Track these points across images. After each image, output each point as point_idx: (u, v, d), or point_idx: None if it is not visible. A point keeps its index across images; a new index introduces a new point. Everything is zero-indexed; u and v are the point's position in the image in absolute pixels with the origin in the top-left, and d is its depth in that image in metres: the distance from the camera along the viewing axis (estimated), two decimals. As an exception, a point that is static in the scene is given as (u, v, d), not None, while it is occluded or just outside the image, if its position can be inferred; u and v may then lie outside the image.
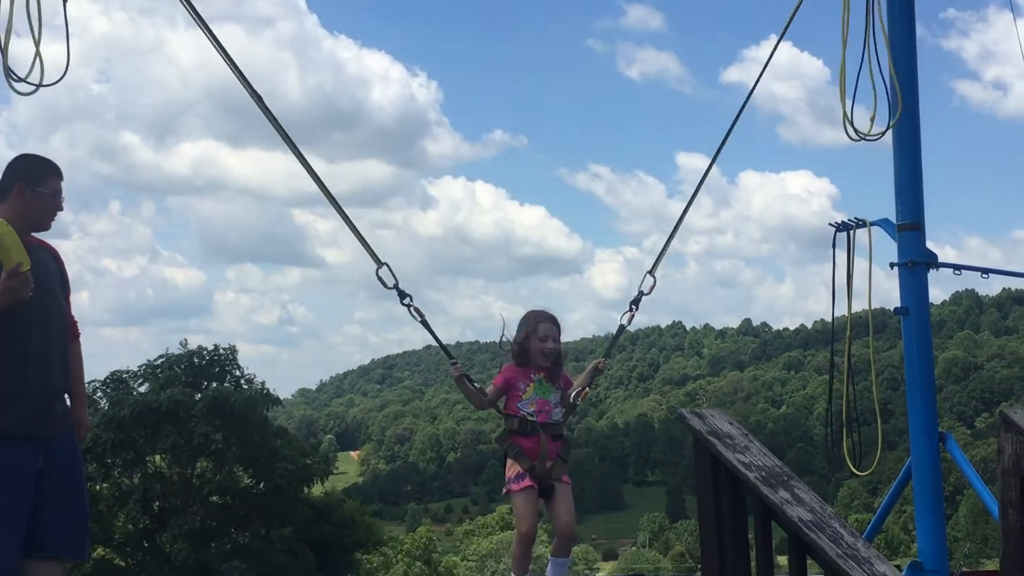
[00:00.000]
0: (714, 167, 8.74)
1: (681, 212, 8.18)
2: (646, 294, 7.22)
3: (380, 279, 6.41)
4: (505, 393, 6.53)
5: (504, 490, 6.53)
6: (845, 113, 8.58)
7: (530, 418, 6.43)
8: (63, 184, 5.79)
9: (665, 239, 7.79)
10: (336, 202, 6.65)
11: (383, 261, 6.44)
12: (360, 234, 6.61)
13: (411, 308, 6.42)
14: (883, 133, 8.66)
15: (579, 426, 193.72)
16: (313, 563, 34.02)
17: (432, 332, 6.68)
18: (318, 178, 6.68)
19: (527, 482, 6.38)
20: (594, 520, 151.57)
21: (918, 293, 8.69)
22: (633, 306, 7.19)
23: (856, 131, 8.59)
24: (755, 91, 9.09)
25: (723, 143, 8.49)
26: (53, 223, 5.80)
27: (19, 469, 5.42)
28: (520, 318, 6.74)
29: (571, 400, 6.64)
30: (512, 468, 6.46)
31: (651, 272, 7.29)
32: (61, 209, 5.76)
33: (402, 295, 6.40)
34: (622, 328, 7.28)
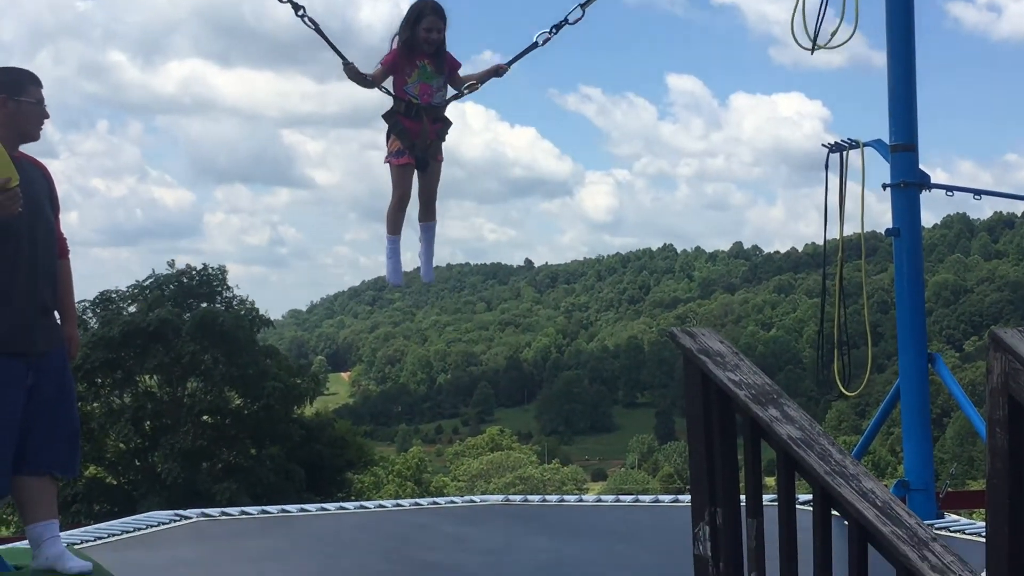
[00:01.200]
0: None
1: None
2: (571, 23, 7.50)
3: None
4: (392, 75, 7.04)
5: (384, 161, 7.17)
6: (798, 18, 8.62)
7: (415, 101, 6.98)
8: (43, 93, 5.73)
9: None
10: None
11: None
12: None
13: (304, 18, 6.81)
14: (838, 45, 8.69)
15: (568, 348, 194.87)
16: (304, 482, 34.24)
17: (325, 36, 6.97)
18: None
19: (406, 159, 7.08)
20: (584, 441, 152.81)
21: (910, 214, 8.69)
22: (553, 29, 7.47)
23: (811, 40, 8.65)
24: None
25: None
26: (40, 133, 5.75)
27: (8, 384, 5.42)
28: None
29: (460, 87, 7.25)
30: (394, 144, 7.11)
31: (583, 6, 7.47)
32: (47, 116, 5.70)
33: (295, 6, 6.79)
34: (534, 44, 7.47)
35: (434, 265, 7.83)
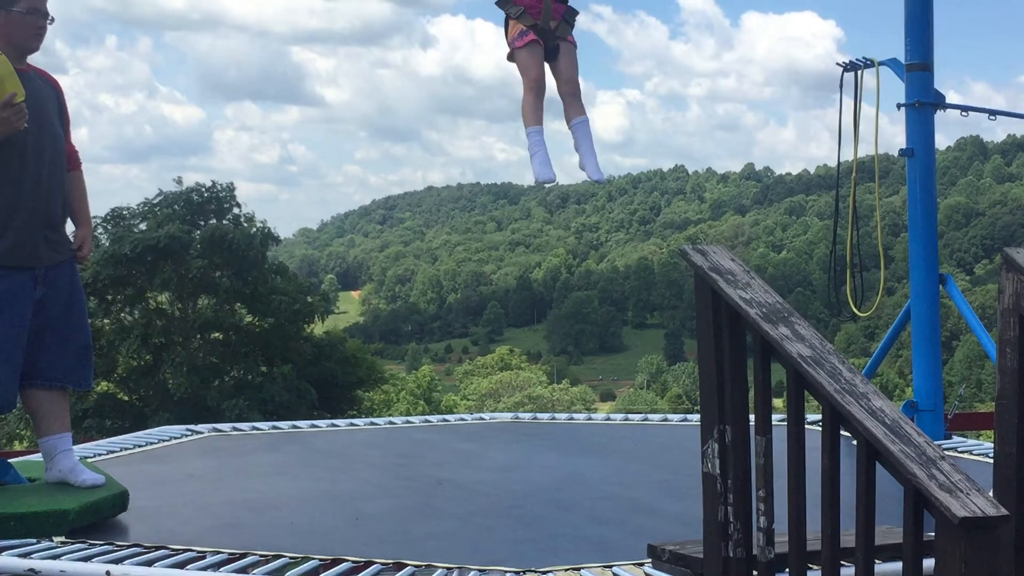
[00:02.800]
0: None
1: None
2: None
3: None
4: None
5: (507, 54, 6.51)
6: None
7: None
8: (47, 4, 5.65)
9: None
10: None
11: None
12: None
13: None
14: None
15: (579, 269, 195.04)
16: (315, 399, 34.46)
17: None
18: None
19: (530, 37, 6.34)
20: (593, 361, 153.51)
21: (924, 135, 8.62)
22: None
23: None
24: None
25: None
26: (39, 45, 5.68)
27: (16, 296, 5.44)
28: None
29: None
30: (515, 28, 6.42)
31: None
32: (42, 26, 5.61)
33: None
34: None
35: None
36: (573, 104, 6.66)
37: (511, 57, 6.48)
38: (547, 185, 6.67)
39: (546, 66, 6.52)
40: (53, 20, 5.68)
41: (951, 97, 8.71)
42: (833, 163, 9.61)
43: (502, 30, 6.61)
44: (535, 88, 6.50)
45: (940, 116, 8.75)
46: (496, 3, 6.51)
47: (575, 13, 6.61)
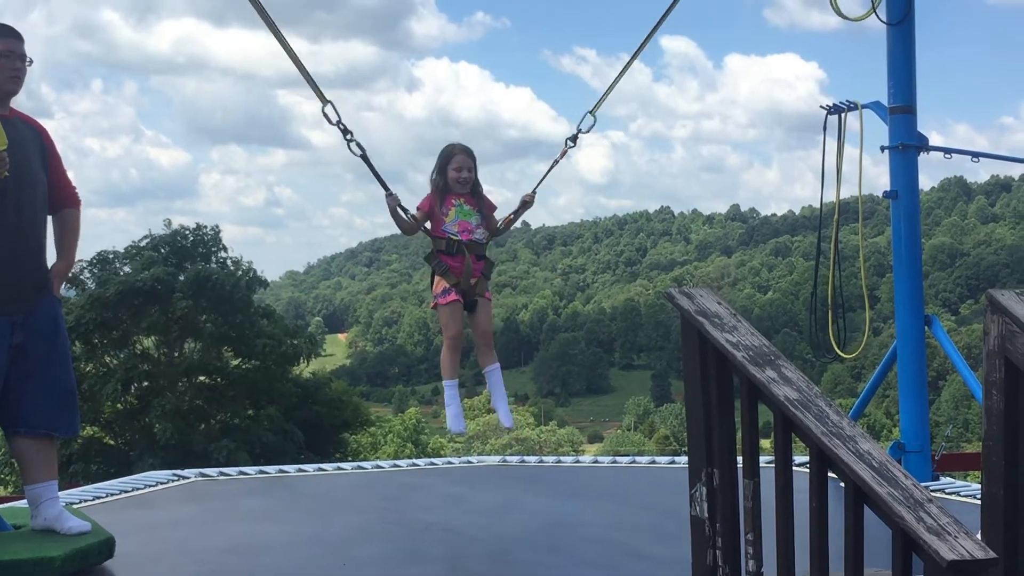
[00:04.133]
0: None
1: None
2: (584, 132, 7.51)
3: (325, 115, 6.77)
4: (430, 218, 7.04)
5: (432, 304, 7.19)
6: None
7: (455, 238, 6.98)
8: (24, 47, 5.62)
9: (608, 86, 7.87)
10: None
11: (328, 99, 6.79)
12: (304, 69, 6.90)
13: (351, 143, 6.78)
14: (867, 14, 8.65)
15: (565, 310, 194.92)
16: (302, 442, 34.28)
17: (371, 166, 6.97)
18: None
19: (453, 296, 7.04)
20: (580, 403, 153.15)
21: (908, 177, 8.68)
22: (570, 142, 7.50)
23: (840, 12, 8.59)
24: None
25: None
26: (20, 88, 5.66)
27: None
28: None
29: (497, 226, 7.23)
30: (439, 284, 7.10)
31: (592, 112, 7.48)
32: (19, 68, 5.58)
33: (344, 130, 6.77)
34: (555, 162, 7.50)
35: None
36: (487, 353, 7.46)
37: (435, 307, 7.20)
38: (457, 437, 7.36)
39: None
40: (31, 62, 5.67)
41: (934, 138, 8.77)
42: (818, 204, 9.65)
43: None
44: (453, 345, 7.33)
45: (924, 157, 8.81)
46: (425, 258, 7.22)
47: (492, 267, 7.40)
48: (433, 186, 7.11)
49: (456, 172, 7.02)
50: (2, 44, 5.53)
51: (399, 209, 6.97)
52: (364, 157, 6.91)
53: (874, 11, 8.63)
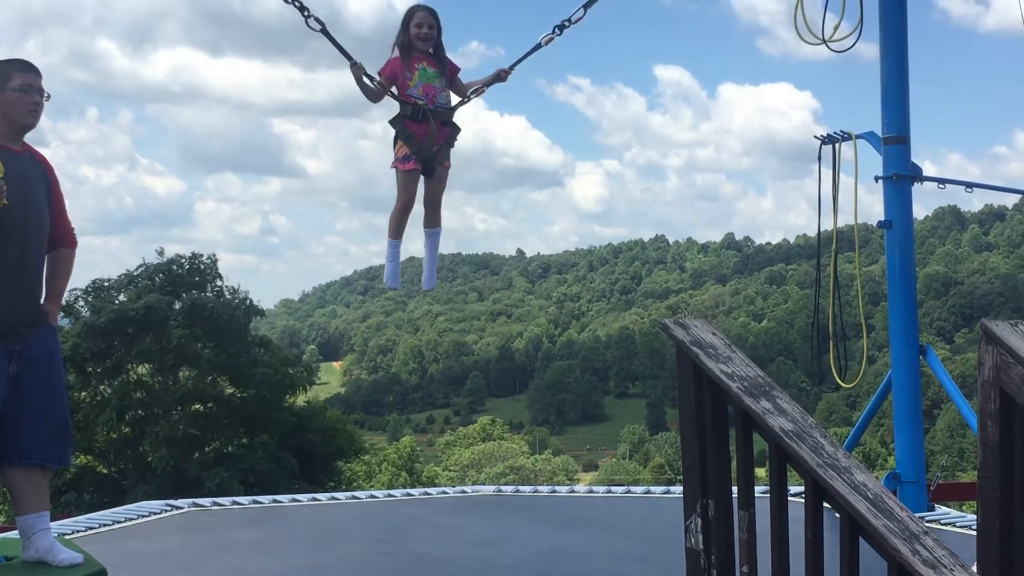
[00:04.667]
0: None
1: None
2: (574, 22, 7.56)
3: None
4: (395, 83, 7.09)
5: (391, 166, 7.22)
6: (800, 15, 8.65)
7: (420, 102, 7.03)
8: (41, 81, 5.65)
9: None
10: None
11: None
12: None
13: (309, 19, 6.86)
14: (846, 39, 8.70)
15: (560, 339, 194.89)
16: (296, 470, 34.19)
17: (332, 39, 7.04)
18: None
19: (412, 164, 7.15)
20: (575, 431, 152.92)
21: (902, 206, 8.70)
22: (556, 30, 7.52)
23: (815, 35, 8.66)
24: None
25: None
26: (35, 121, 5.67)
27: None
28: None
29: (467, 93, 7.31)
30: (401, 149, 7.15)
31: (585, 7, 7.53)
32: (38, 103, 5.60)
33: (301, 7, 6.85)
34: (538, 46, 7.50)
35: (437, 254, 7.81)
36: (432, 216, 7.60)
37: (394, 168, 7.23)
38: (390, 290, 7.59)
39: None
40: (49, 97, 5.68)
41: (926, 168, 8.80)
42: (812, 232, 9.71)
43: (391, 144, 7.29)
44: (403, 209, 7.36)
45: (918, 186, 8.83)
46: (389, 121, 7.20)
47: (457, 132, 7.37)
48: (396, 44, 7.16)
49: (417, 28, 7.05)
50: (21, 78, 5.54)
51: (364, 77, 6.99)
52: (324, 31, 6.95)
53: (856, 33, 8.69)
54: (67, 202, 6.05)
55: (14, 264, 5.47)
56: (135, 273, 37.25)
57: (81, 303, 36.30)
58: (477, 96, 7.33)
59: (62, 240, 5.88)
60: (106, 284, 37.12)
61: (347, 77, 7.01)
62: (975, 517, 4.53)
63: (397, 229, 7.49)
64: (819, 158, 9.24)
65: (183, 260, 37.70)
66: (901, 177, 8.63)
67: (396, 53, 7.17)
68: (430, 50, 7.14)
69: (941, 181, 9.27)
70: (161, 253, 38.03)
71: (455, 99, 7.33)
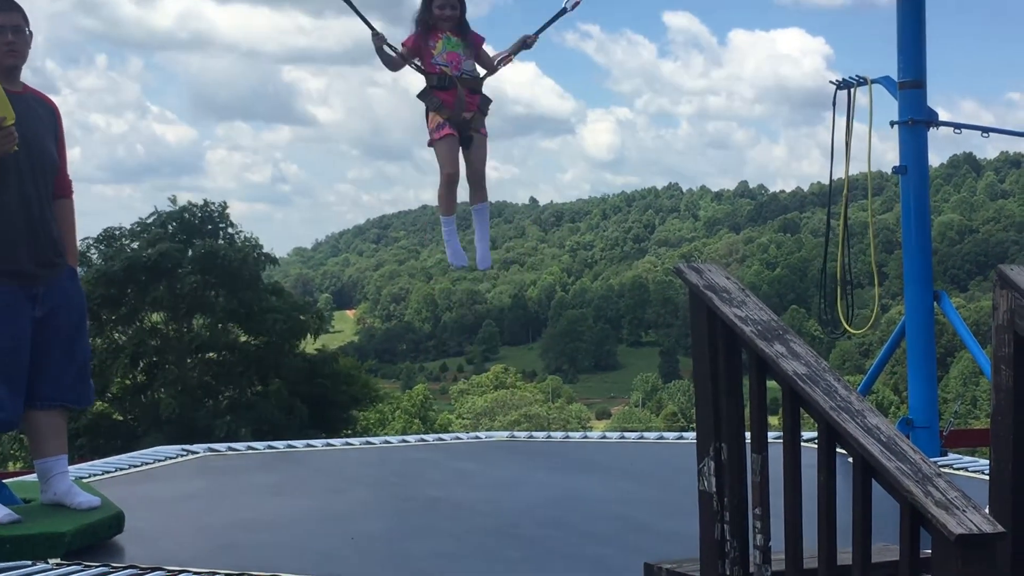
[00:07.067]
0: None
1: None
2: None
3: None
4: (419, 55, 7.00)
5: (428, 143, 7.09)
6: None
7: (446, 69, 6.92)
8: (17, 17, 5.53)
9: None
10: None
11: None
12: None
13: None
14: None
15: (573, 287, 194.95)
16: (307, 418, 34.28)
17: (354, 6, 6.96)
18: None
19: (447, 130, 6.98)
20: (589, 380, 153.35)
21: (917, 152, 8.65)
22: None
23: None
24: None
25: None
26: (21, 61, 5.59)
27: (16, 315, 5.42)
28: None
29: (493, 63, 7.18)
30: (434, 120, 7.04)
31: None
32: (12, 41, 5.48)
33: None
34: (563, 11, 7.40)
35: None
36: (477, 191, 7.44)
37: (431, 144, 7.08)
38: (457, 268, 7.37)
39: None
40: (31, 35, 5.59)
41: (941, 114, 8.74)
42: (826, 180, 9.63)
43: (424, 118, 7.15)
44: (449, 181, 7.19)
45: (932, 133, 8.79)
46: (417, 95, 7.07)
47: (488, 103, 7.23)
48: (417, 22, 7.06)
49: (439, 10, 6.95)
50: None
51: (386, 47, 6.93)
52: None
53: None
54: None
55: (28, 206, 5.48)
56: (148, 221, 37.26)
57: (93, 251, 36.34)
58: (504, 65, 7.21)
59: (61, 190, 5.86)
60: (118, 232, 37.12)
61: (356, 24, 6.95)
62: (987, 463, 4.54)
63: (448, 205, 7.40)
64: (834, 103, 9.19)
65: (195, 208, 37.69)
66: (917, 122, 8.57)
67: (415, 25, 7.08)
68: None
69: (957, 126, 9.21)
70: (174, 201, 38.00)
71: (482, 70, 7.23)
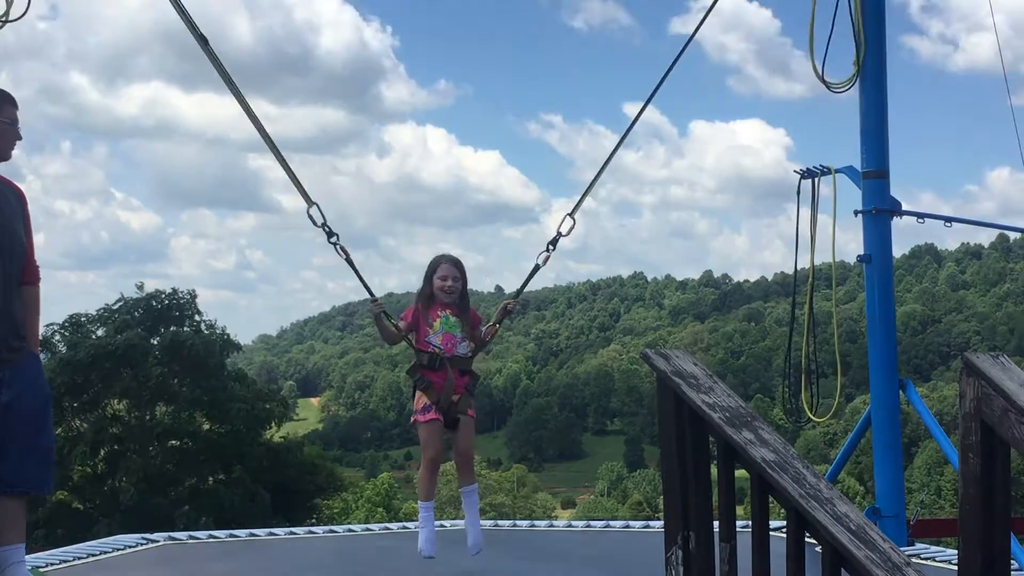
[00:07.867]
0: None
1: (608, 155, 8.22)
2: (564, 235, 7.50)
3: (310, 217, 6.73)
4: (415, 329, 6.94)
5: (412, 419, 7.01)
6: (815, 65, 8.67)
7: (438, 351, 6.84)
8: (18, 115, 5.65)
9: (588, 183, 8.05)
10: (268, 137, 6.97)
11: (313, 201, 6.75)
12: (291, 172, 6.93)
13: (337, 246, 6.73)
14: (851, 82, 8.74)
15: (539, 375, 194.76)
16: (270, 506, 33.93)
17: (356, 270, 6.93)
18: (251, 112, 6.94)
19: (432, 414, 6.84)
20: (554, 468, 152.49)
21: (881, 241, 8.74)
22: (550, 246, 7.43)
23: (825, 81, 8.68)
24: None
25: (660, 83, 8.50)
26: (12, 154, 5.66)
27: None
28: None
29: (481, 337, 7.11)
30: (420, 400, 6.92)
31: (571, 214, 7.56)
32: (20, 138, 5.61)
33: (330, 233, 6.71)
34: (536, 268, 7.41)
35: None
36: (465, 474, 7.34)
37: (414, 423, 7.02)
38: (425, 557, 7.06)
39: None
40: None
41: (903, 206, 8.84)
42: (788, 270, 9.70)
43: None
44: (431, 467, 7.09)
45: (894, 224, 8.88)
46: (407, 371, 7.11)
47: (477, 380, 7.27)
48: (419, 295, 7.03)
49: (441, 281, 6.93)
50: (11, 113, 5.54)
51: (383, 316, 6.88)
52: (349, 260, 6.83)
53: (856, 77, 8.72)
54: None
55: None
56: (114, 308, 37.09)
57: (58, 337, 36.10)
58: (491, 338, 7.21)
59: (29, 276, 5.81)
60: (83, 319, 36.93)
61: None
62: (955, 553, 4.52)
63: (428, 490, 7.20)
64: (798, 192, 9.28)
65: (163, 295, 37.58)
66: (881, 211, 8.67)
67: (417, 298, 7.08)
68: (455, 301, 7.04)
69: (920, 215, 9.31)
70: (141, 288, 37.91)
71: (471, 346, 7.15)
